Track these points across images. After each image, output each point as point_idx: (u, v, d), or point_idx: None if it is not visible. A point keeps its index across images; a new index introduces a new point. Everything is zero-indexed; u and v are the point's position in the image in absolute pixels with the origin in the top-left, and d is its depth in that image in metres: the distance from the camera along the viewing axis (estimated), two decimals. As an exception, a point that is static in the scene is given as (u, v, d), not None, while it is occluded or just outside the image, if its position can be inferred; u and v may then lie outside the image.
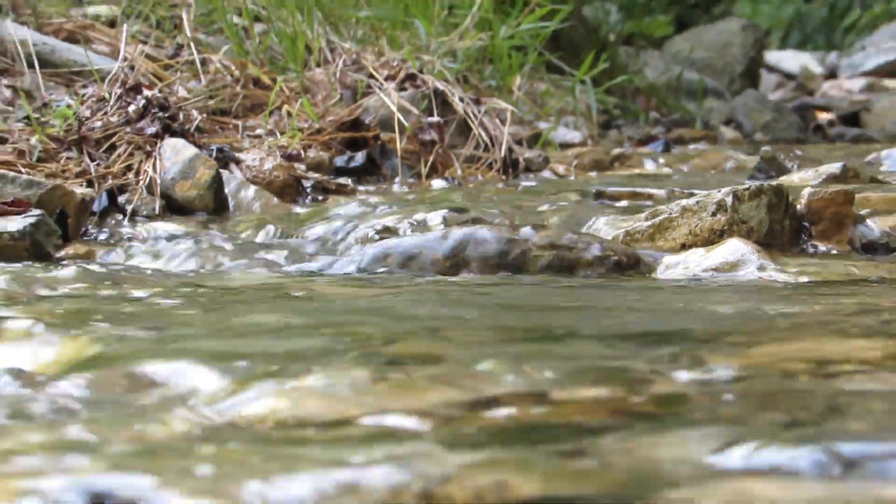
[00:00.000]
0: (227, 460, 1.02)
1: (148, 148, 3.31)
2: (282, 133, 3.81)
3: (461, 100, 4.18)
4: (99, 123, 3.40)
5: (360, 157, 3.77)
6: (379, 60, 4.38)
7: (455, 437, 1.08)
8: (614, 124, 6.31)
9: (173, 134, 3.38)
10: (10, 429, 1.18)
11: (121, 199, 3.15)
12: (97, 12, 4.59)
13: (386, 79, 4.17)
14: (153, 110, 3.44)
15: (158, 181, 3.19)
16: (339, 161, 3.76)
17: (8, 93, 3.72)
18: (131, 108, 3.44)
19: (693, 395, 1.22)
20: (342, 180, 3.62)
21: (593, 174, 4.32)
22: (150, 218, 3.09)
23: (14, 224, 2.59)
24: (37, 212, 2.66)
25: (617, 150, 4.79)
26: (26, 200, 2.74)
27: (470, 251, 2.36)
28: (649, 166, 4.57)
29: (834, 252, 2.45)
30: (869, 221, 2.58)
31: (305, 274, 2.48)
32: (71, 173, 3.18)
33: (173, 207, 3.16)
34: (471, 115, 4.14)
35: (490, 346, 1.51)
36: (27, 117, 3.38)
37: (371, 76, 4.19)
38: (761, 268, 2.24)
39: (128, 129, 3.38)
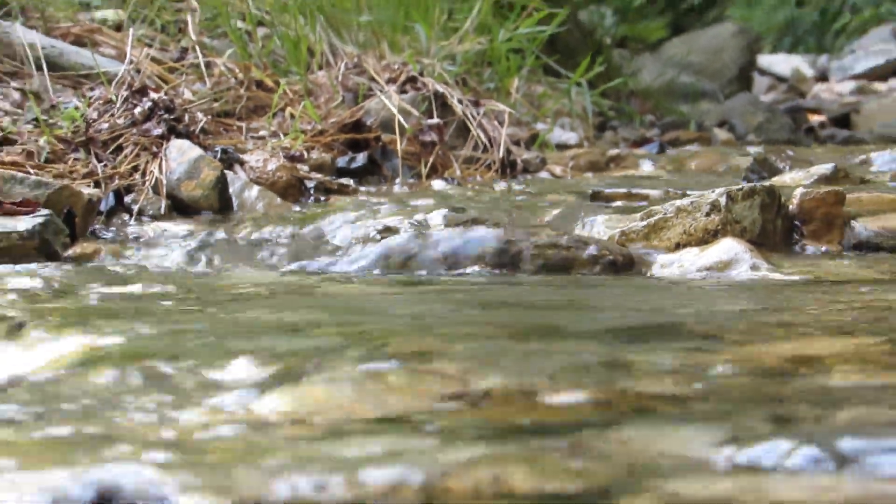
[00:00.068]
0: (232, 455, 1.02)
1: (154, 149, 3.31)
2: (285, 134, 3.80)
3: (460, 102, 4.18)
4: (106, 125, 3.39)
5: (361, 158, 3.77)
6: (380, 64, 4.38)
7: (453, 433, 1.08)
8: (610, 126, 6.31)
9: (179, 135, 3.38)
10: (17, 424, 1.18)
11: (127, 199, 3.15)
12: (104, 17, 4.59)
13: (387, 82, 4.17)
14: (159, 112, 3.44)
15: (164, 181, 3.19)
16: (341, 162, 3.75)
17: (17, 95, 3.71)
18: (137, 110, 3.43)
19: (687, 391, 1.22)
20: (344, 181, 3.61)
21: (589, 175, 4.32)
22: (156, 217, 3.09)
23: (23, 224, 2.59)
24: (45, 212, 2.66)
25: (612, 152, 4.79)
26: (35, 200, 2.74)
27: (469, 251, 2.36)
28: (644, 167, 4.57)
29: (825, 251, 2.44)
30: (859, 221, 2.58)
31: (308, 273, 2.47)
32: (78, 174, 3.18)
33: (179, 207, 3.16)
34: (470, 116, 4.13)
35: (488, 343, 1.51)
36: (36, 119, 3.38)
37: (372, 79, 4.19)
38: (754, 267, 2.24)
39: (134, 130, 3.37)
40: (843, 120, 7.33)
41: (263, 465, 0.97)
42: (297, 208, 3.26)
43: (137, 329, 1.64)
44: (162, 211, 3.13)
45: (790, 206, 2.49)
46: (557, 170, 4.29)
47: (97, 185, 3.16)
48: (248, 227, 2.98)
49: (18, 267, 2.37)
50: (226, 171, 3.25)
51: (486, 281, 2.25)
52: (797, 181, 3.23)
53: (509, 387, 1.24)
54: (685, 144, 5.86)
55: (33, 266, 2.41)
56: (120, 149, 3.33)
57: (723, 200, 2.42)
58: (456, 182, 3.81)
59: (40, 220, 2.61)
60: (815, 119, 7.25)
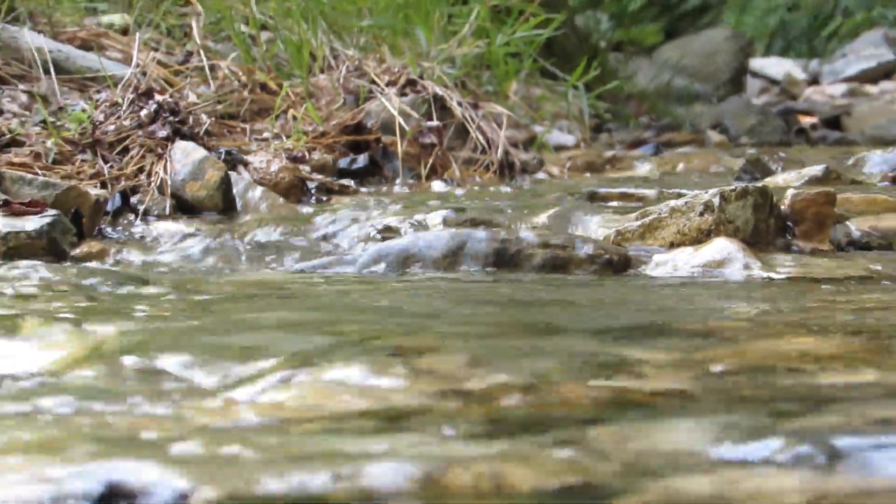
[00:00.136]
0: (234, 451, 1.02)
1: (159, 150, 3.31)
2: (287, 136, 3.80)
3: (459, 104, 4.18)
4: (112, 127, 3.39)
5: (362, 159, 3.77)
6: (381, 67, 4.38)
7: (452, 429, 1.08)
8: (606, 128, 6.31)
9: (183, 137, 3.38)
10: (24, 420, 1.18)
11: (133, 199, 3.15)
12: (110, 21, 4.59)
13: (387, 84, 4.17)
14: (164, 114, 3.44)
15: (169, 182, 3.19)
16: (343, 163, 3.75)
17: (25, 98, 3.71)
18: (143, 113, 3.43)
19: (682, 388, 1.22)
20: (345, 181, 3.62)
21: (586, 176, 4.32)
22: (161, 217, 3.09)
23: (31, 223, 2.59)
24: (53, 212, 2.66)
25: (609, 153, 4.79)
26: (43, 201, 2.74)
27: (468, 250, 2.36)
28: (640, 168, 4.57)
29: (816, 251, 2.45)
30: (849, 221, 2.58)
31: (310, 272, 2.48)
32: (85, 175, 3.18)
33: (183, 207, 3.16)
34: (469, 118, 4.13)
35: (487, 341, 1.51)
36: (43, 121, 3.38)
37: (373, 82, 4.19)
38: (747, 266, 2.24)
39: (140, 132, 3.37)
40: (834, 122, 7.33)
41: (266, 461, 0.97)
42: (300, 208, 3.26)
43: (143, 326, 1.65)
44: (167, 211, 3.13)
45: (782, 207, 2.49)
46: (555, 171, 4.29)
47: (104, 185, 3.16)
48: (251, 227, 2.98)
49: (27, 265, 2.37)
50: (229, 172, 3.25)
51: (485, 280, 2.25)
52: (789, 182, 3.23)
53: (508, 383, 1.24)
54: (679, 146, 5.85)
55: (41, 265, 2.41)
56: (126, 150, 3.33)
57: (716, 201, 2.42)
58: (455, 183, 3.81)
59: (48, 219, 2.61)
60: (807, 121, 7.25)
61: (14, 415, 1.21)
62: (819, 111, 7.78)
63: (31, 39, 3.85)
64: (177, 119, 3.44)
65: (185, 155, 3.23)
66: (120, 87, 3.58)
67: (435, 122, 3.99)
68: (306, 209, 3.25)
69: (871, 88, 9.77)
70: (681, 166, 4.65)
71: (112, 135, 3.36)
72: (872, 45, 11.03)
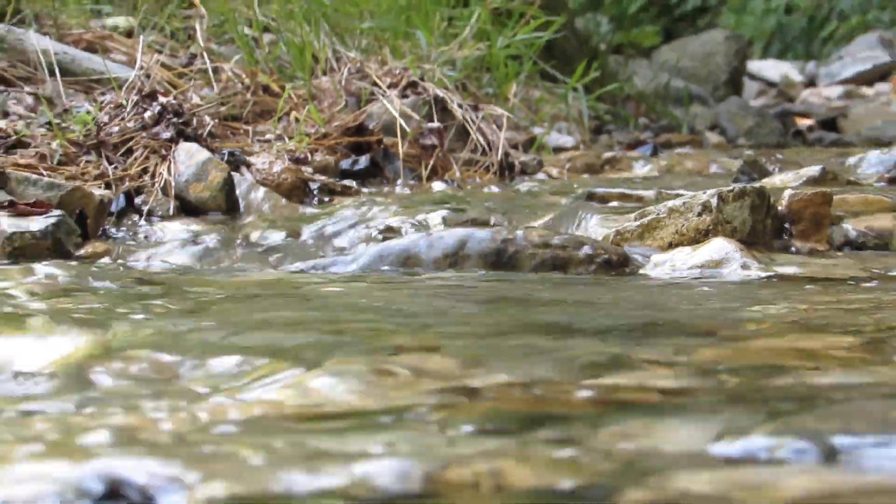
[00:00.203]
0: (237, 448, 1.02)
1: (163, 152, 3.31)
2: (290, 138, 3.80)
3: (460, 106, 4.18)
4: (117, 129, 3.39)
5: (364, 160, 3.77)
6: (382, 69, 4.38)
7: (453, 427, 1.08)
8: (605, 129, 6.30)
9: (187, 139, 3.38)
10: (30, 417, 1.18)
11: (137, 200, 3.15)
12: (115, 23, 4.59)
13: (389, 86, 4.17)
14: (168, 116, 3.43)
15: (173, 183, 3.18)
16: (345, 164, 3.75)
17: (30, 99, 3.71)
18: (147, 114, 3.43)
19: (681, 387, 1.22)
20: (347, 182, 3.61)
21: (585, 176, 4.32)
22: (165, 218, 3.08)
23: (36, 224, 2.59)
24: (58, 212, 2.66)
25: (607, 154, 4.78)
26: (48, 201, 2.74)
27: (468, 250, 2.35)
28: (638, 169, 4.56)
29: (813, 250, 2.44)
30: (846, 222, 2.58)
31: (313, 272, 2.47)
32: (90, 176, 3.17)
33: (187, 208, 3.16)
34: (469, 120, 4.13)
35: (487, 340, 1.51)
36: (49, 123, 3.38)
37: (375, 84, 4.19)
38: (744, 266, 2.24)
39: (144, 133, 3.37)
40: (830, 123, 7.33)
41: (268, 458, 0.97)
42: (302, 209, 3.26)
43: (147, 325, 1.64)
44: (171, 212, 3.12)
45: (779, 207, 2.49)
46: (554, 172, 4.29)
47: (108, 186, 3.16)
48: (254, 227, 2.98)
49: (32, 265, 2.37)
50: (233, 173, 3.25)
51: (485, 279, 2.25)
52: (786, 183, 3.23)
53: (508, 382, 1.23)
54: (677, 147, 5.85)
55: (46, 265, 2.41)
56: (130, 151, 3.33)
57: (714, 201, 2.42)
58: (455, 184, 3.81)
59: (53, 220, 2.61)
60: (804, 123, 7.25)
61: (19, 412, 1.21)
62: (816, 113, 7.78)
63: (36, 42, 3.85)
64: (180, 121, 3.43)
65: (189, 156, 3.23)
66: (124, 89, 3.58)
67: (436, 124, 3.99)
68: (308, 210, 3.25)
69: (867, 90, 9.77)
70: (679, 167, 4.65)
71: (116, 136, 3.36)
72: (868, 48, 11.02)
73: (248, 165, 3.46)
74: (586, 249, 2.35)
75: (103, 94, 3.70)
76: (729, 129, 6.58)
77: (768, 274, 2.20)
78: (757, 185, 2.58)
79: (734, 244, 2.30)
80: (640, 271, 2.34)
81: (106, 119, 3.43)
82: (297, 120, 3.94)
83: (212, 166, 3.19)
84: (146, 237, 2.90)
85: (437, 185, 3.77)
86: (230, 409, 1.19)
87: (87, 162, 3.25)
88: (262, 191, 3.27)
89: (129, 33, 4.51)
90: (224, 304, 1.92)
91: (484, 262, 2.34)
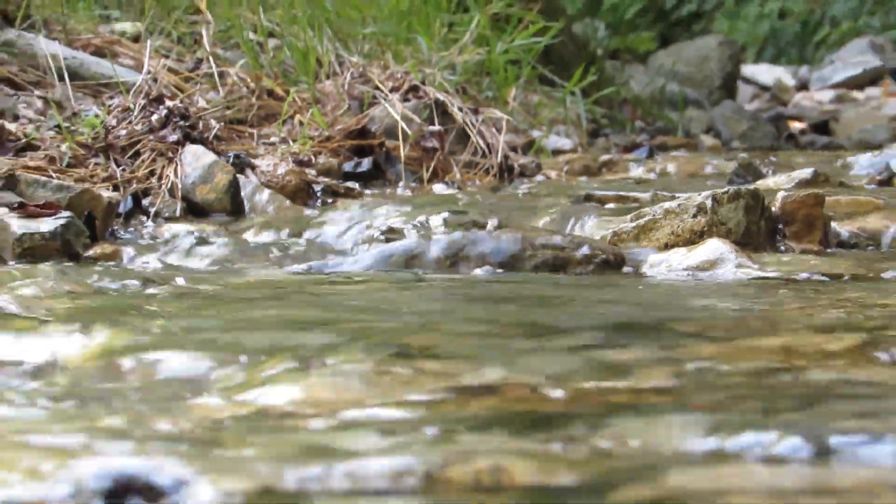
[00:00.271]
0: (244, 444, 1.02)
1: (170, 154, 3.31)
2: (294, 141, 3.80)
3: (460, 110, 4.18)
4: (124, 132, 3.39)
5: (366, 163, 3.77)
6: (384, 73, 4.37)
7: (454, 424, 1.08)
8: (602, 132, 6.30)
9: (193, 141, 3.38)
10: (40, 415, 1.18)
11: (144, 201, 3.14)
12: (123, 29, 4.58)
13: (391, 90, 4.17)
14: (175, 119, 3.43)
15: (179, 185, 3.18)
16: (347, 167, 3.75)
17: (40, 103, 3.71)
18: (154, 118, 3.43)
19: (678, 385, 1.22)
20: (350, 184, 3.61)
21: (583, 179, 4.31)
22: (172, 219, 3.08)
23: (46, 225, 2.59)
24: (67, 214, 2.66)
25: (604, 157, 4.78)
26: (57, 203, 2.74)
27: (468, 251, 2.35)
28: (634, 171, 4.56)
29: (806, 251, 2.44)
30: (838, 223, 2.58)
31: (316, 272, 2.47)
32: (98, 178, 3.17)
33: (193, 210, 3.16)
34: (469, 123, 4.13)
35: (487, 339, 1.51)
36: (58, 126, 3.38)
37: (377, 88, 4.19)
38: (739, 266, 2.24)
39: (151, 136, 3.37)
40: (822, 127, 7.32)
41: (273, 454, 0.97)
42: (306, 210, 3.25)
43: (154, 324, 1.64)
44: (177, 213, 3.12)
45: (773, 208, 2.49)
46: (552, 174, 4.28)
47: (116, 188, 3.15)
48: (259, 228, 2.97)
49: (42, 266, 2.37)
50: (238, 176, 3.25)
51: (485, 280, 2.25)
52: (779, 185, 3.22)
53: (509, 380, 1.23)
54: (673, 150, 5.84)
55: (56, 265, 2.41)
56: (138, 154, 3.32)
57: (709, 203, 2.42)
58: (456, 186, 3.81)
59: (62, 221, 2.61)
60: (797, 126, 7.24)
61: (27, 409, 1.21)
62: (808, 116, 7.77)
63: (46, 46, 3.85)
64: (187, 124, 3.43)
65: (195, 159, 3.23)
66: (132, 93, 3.58)
67: (436, 127, 3.99)
68: (312, 211, 3.24)
69: (858, 94, 9.76)
70: (674, 169, 4.65)
71: (124, 139, 3.36)
72: (859, 53, 11.01)
73: (253, 168, 3.45)
74: (584, 250, 2.34)
75: (111, 97, 3.69)
76: (723, 132, 6.58)
77: (762, 274, 2.20)
78: (751, 187, 2.58)
79: (729, 245, 2.30)
80: (637, 271, 2.34)
81: (114, 122, 3.43)
82: (300, 123, 3.94)
83: (217, 169, 3.19)
84: (153, 238, 2.90)
85: (438, 187, 3.77)
86: (233, 406, 1.19)
87: (95, 164, 3.25)
88: (266, 193, 3.27)
89: (136, 38, 4.50)
90: (229, 303, 1.92)
91: (484, 263, 2.34)
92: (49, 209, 2.67)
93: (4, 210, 2.66)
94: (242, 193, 3.22)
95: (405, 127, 3.89)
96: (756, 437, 0.97)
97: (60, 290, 2.06)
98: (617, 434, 1.02)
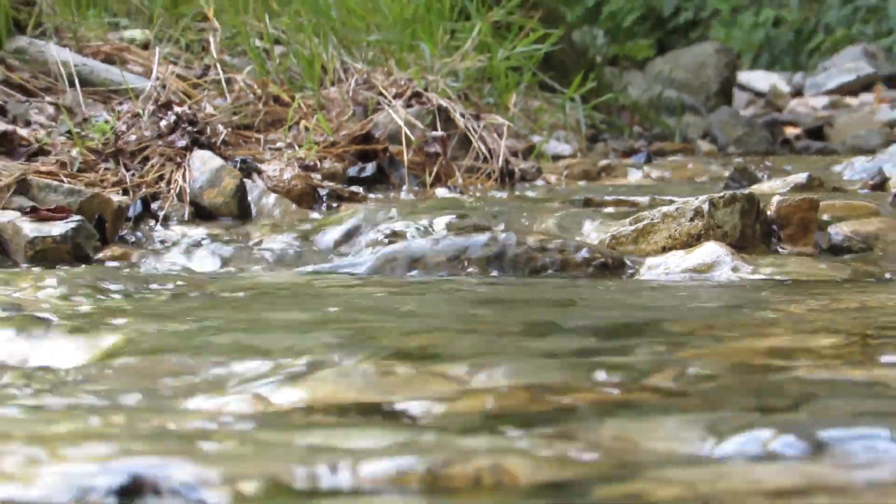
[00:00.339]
0: (247, 444, 1.02)
1: (178, 159, 3.31)
2: (300, 146, 3.80)
3: (462, 115, 4.18)
4: (134, 137, 3.39)
5: (370, 167, 3.77)
6: (388, 80, 4.37)
7: (454, 424, 1.08)
8: (601, 138, 6.30)
9: (201, 147, 3.38)
10: (51, 415, 1.18)
11: (153, 205, 3.15)
12: (132, 36, 4.59)
13: (394, 96, 4.17)
14: (183, 125, 3.43)
15: (188, 189, 3.18)
16: (352, 171, 3.75)
17: (51, 109, 3.71)
18: (163, 123, 3.43)
19: (675, 385, 1.22)
20: (354, 189, 3.61)
21: (582, 183, 4.31)
22: (180, 223, 3.08)
23: (57, 229, 2.59)
24: (77, 217, 2.66)
25: (603, 162, 4.78)
26: (68, 207, 2.74)
27: (470, 254, 2.35)
28: (633, 176, 4.56)
29: (801, 254, 2.44)
30: (832, 226, 2.58)
31: (321, 274, 2.47)
32: (108, 182, 3.17)
33: (201, 213, 3.16)
34: (471, 129, 4.13)
35: (488, 339, 1.51)
36: (69, 131, 3.38)
37: (381, 94, 4.19)
38: (735, 268, 2.24)
39: (160, 142, 3.37)
40: (817, 132, 7.31)
41: (276, 454, 0.97)
42: (311, 214, 3.26)
43: (161, 326, 1.64)
44: (185, 217, 3.12)
45: (768, 212, 2.49)
46: (552, 179, 4.28)
47: (126, 192, 3.16)
48: (265, 231, 2.97)
49: (53, 269, 2.37)
50: (245, 180, 3.25)
51: (486, 282, 2.25)
52: (774, 189, 3.22)
53: (508, 381, 1.23)
54: (670, 155, 5.84)
55: (67, 268, 2.41)
56: (147, 159, 3.33)
57: (706, 207, 2.42)
58: (458, 190, 3.81)
59: (73, 225, 2.61)
60: (791, 132, 7.24)
61: (39, 409, 1.21)
62: (803, 122, 7.77)
63: (57, 53, 3.85)
64: (195, 129, 3.43)
65: (203, 163, 3.23)
66: (141, 99, 3.58)
67: (439, 133, 3.99)
68: (317, 215, 3.25)
69: (852, 100, 9.76)
70: (671, 174, 4.64)
71: (133, 144, 3.36)
72: (852, 60, 11.01)
73: (260, 172, 3.46)
74: (583, 253, 2.34)
75: (121, 103, 3.70)
76: (720, 137, 6.58)
77: (758, 276, 2.20)
78: (747, 191, 2.58)
79: (725, 248, 2.30)
80: (635, 274, 2.34)
81: (123, 128, 3.43)
82: (306, 129, 3.94)
83: (225, 173, 3.19)
84: (162, 241, 2.90)
85: (441, 192, 3.77)
86: (238, 406, 1.19)
87: (105, 169, 3.25)
88: (272, 197, 3.27)
89: (145, 45, 4.51)
90: (235, 305, 1.92)
91: (485, 266, 2.34)
92: (60, 213, 2.67)
93: (17, 214, 2.66)
94: (249, 197, 3.22)
95: (408, 132, 3.89)
96: (751, 435, 0.97)
97: (70, 292, 2.06)
98: (616, 434, 1.02)
